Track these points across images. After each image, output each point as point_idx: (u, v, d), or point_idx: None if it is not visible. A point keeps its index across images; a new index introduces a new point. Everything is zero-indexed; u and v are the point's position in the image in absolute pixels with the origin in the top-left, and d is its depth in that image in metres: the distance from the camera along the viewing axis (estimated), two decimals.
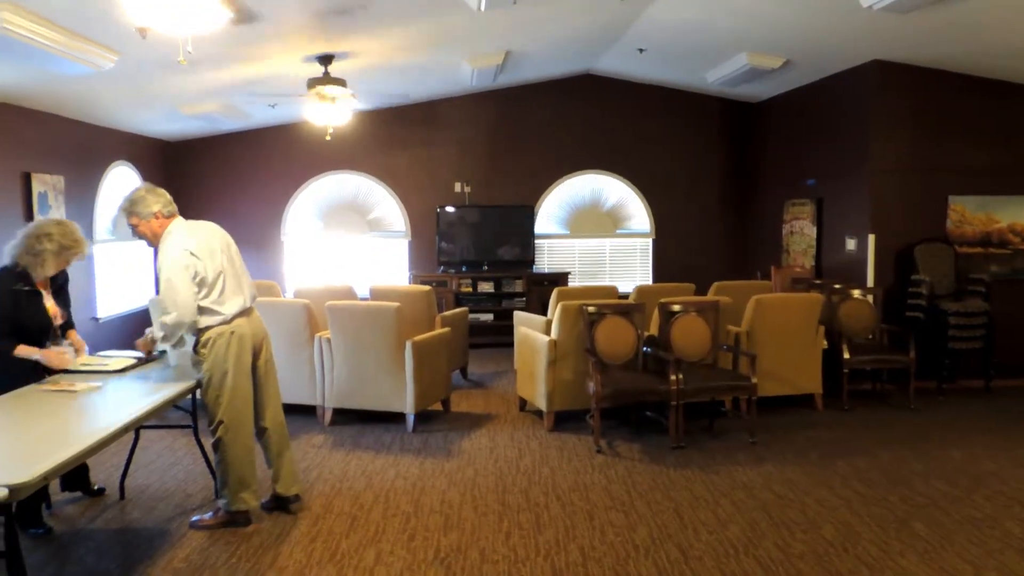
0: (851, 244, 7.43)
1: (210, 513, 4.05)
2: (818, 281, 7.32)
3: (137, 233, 3.91)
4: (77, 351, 4.10)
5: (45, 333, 3.96)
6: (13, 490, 2.40)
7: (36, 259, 3.84)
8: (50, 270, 3.91)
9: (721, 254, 9.95)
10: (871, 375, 6.80)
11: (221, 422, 3.92)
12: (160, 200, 3.88)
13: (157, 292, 3.95)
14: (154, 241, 3.90)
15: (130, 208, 3.86)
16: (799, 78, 8.06)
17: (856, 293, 6.61)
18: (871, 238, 7.10)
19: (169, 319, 3.78)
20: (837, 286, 6.71)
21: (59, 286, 4.13)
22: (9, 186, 6.10)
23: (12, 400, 3.51)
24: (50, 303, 4.02)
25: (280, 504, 4.21)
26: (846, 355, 6.26)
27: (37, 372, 3.82)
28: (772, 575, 3.45)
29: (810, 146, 8.26)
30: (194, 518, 4.05)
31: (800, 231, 8.35)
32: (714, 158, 9.92)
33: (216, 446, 3.97)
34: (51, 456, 2.64)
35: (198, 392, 4.00)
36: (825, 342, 6.34)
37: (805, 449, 5.28)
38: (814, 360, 6.25)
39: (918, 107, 7.08)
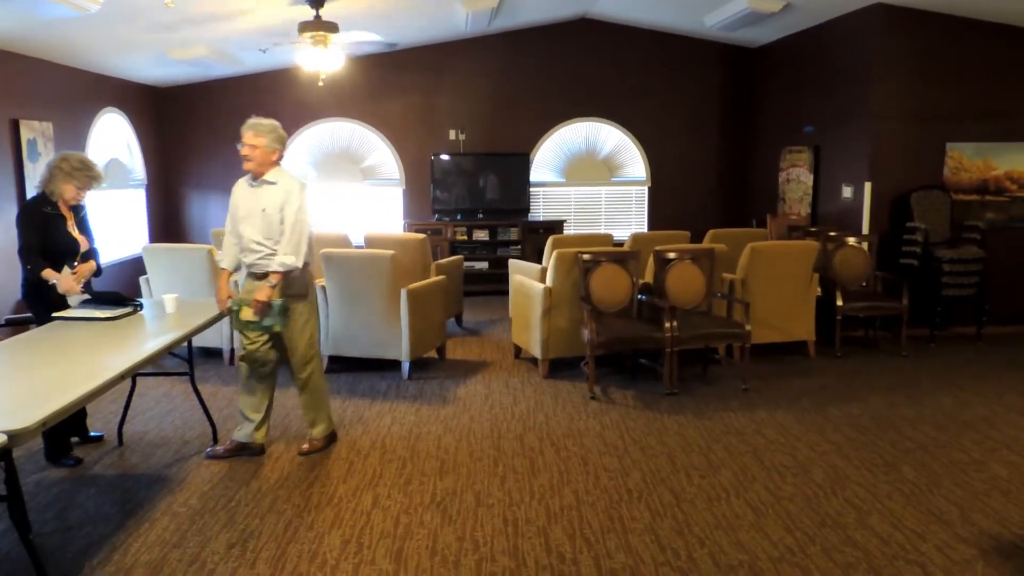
0: (847, 191, 7.39)
1: (306, 444, 4.36)
2: (814, 229, 7.30)
3: (246, 154, 4.01)
4: (75, 272, 4.19)
5: (72, 256, 4.19)
6: (12, 436, 2.42)
7: (53, 179, 4.11)
8: (66, 191, 4.12)
9: (717, 202, 9.91)
10: (864, 322, 6.85)
11: (316, 354, 4.31)
12: (284, 143, 4.13)
13: (261, 226, 4.07)
14: (257, 169, 4.04)
15: (269, 131, 4.02)
16: (800, 22, 7.92)
17: (851, 241, 6.61)
18: (867, 185, 7.07)
19: (290, 261, 3.99)
20: (832, 234, 6.71)
21: (80, 218, 4.32)
22: None
23: (15, 345, 3.52)
24: (75, 231, 4.24)
25: (244, 451, 4.27)
26: (840, 302, 6.29)
27: (64, 302, 4.13)
28: (763, 517, 3.52)
29: (809, 92, 8.16)
30: (304, 447, 4.32)
31: (797, 179, 8.31)
32: (711, 105, 9.80)
33: (309, 380, 4.29)
34: (49, 402, 2.66)
35: (194, 339, 4.03)
36: (819, 289, 6.36)
37: (797, 395, 5.34)
38: (808, 307, 6.29)
39: (919, 52, 6.98)
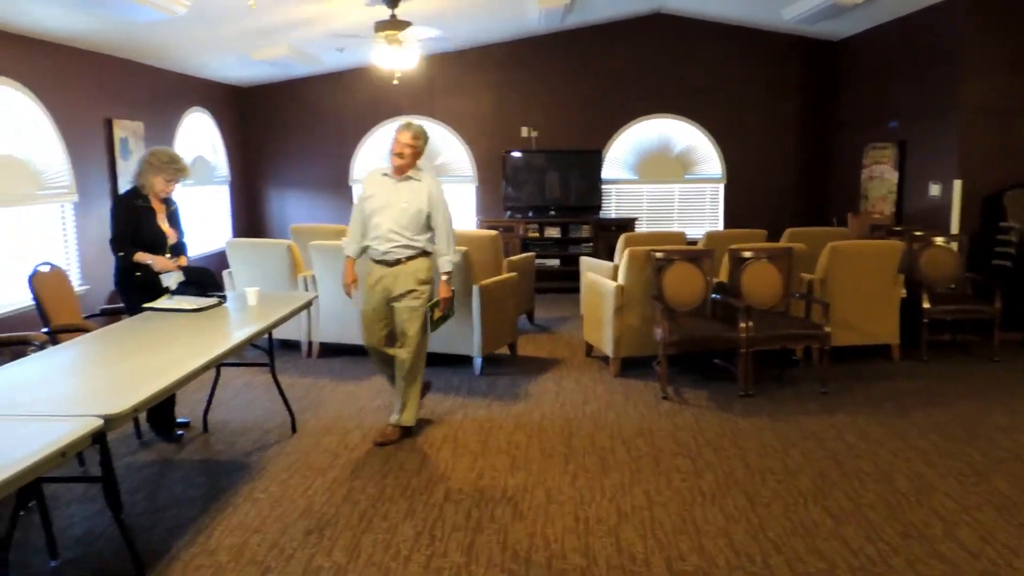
0: (935, 189, 7.10)
1: (389, 429, 4.48)
2: (898, 228, 7.04)
3: (400, 152, 4.25)
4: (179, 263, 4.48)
5: (160, 248, 4.41)
6: (108, 420, 2.54)
7: (144, 173, 4.34)
8: (156, 184, 4.35)
9: (795, 200, 9.65)
10: (952, 326, 6.55)
11: (425, 339, 4.48)
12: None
13: (404, 219, 4.34)
14: (405, 167, 4.29)
15: (422, 135, 4.34)
16: (885, 13, 7.64)
17: (939, 241, 6.34)
18: (957, 183, 6.77)
19: (457, 258, 4.47)
20: (918, 233, 6.45)
21: (171, 212, 4.55)
22: (93, 132, 6.32)
23: (108, 334, 3.70)
24: (164, 224, 4.45)
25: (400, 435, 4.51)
26: (926, 304, 6.04)
27: (154, 293, 4.31)
28: (841, 524, 3.41)
29: (894, 86, 7.87)
30: (387, 433, 4.43)
31: (880, 176, 8.02)
32: (789, 100, 9.55)
33: (414, 364, 4.42)
34: (141, 389, 2.78)
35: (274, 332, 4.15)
36: (904, 291, 6.13)
37: (879, 400, 5.15)
38: (891, 309, 6.06)
39: (1015, 42, 6.64)
